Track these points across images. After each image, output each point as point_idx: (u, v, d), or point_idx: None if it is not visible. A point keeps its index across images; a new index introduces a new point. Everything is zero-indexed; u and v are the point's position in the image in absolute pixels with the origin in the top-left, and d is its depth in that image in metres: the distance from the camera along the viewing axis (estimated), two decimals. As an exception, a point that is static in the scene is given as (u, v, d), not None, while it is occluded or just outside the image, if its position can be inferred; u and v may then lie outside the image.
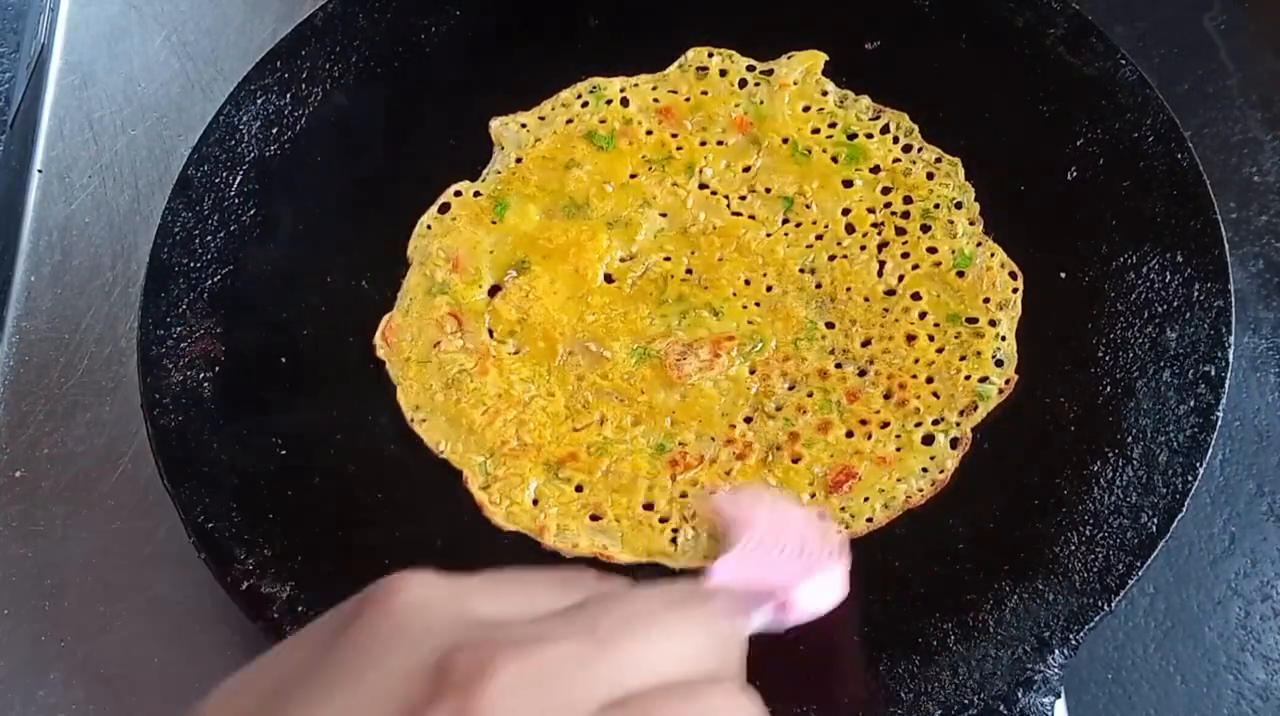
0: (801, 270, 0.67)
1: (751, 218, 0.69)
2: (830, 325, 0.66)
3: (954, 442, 0.62)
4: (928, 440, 0.62)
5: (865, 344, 0.65)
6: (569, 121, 0.73)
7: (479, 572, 0.30)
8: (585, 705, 0.27)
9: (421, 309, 0.68)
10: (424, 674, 0.27)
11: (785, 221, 0.69)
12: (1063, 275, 0.65)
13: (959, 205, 0.68)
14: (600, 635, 0.29)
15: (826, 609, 0.45)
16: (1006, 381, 0.63)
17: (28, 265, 0.77)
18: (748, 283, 0.67)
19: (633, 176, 0.71)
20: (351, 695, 0.27)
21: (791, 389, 0.64)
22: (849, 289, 0.66)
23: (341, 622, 0.30)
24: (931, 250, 0.67)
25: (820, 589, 0.45)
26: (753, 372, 0.65)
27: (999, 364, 0.64)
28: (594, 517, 0.62)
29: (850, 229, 0.68)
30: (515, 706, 0.26)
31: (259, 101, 0.73)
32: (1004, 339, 0.64)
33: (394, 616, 0.29)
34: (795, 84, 0.72)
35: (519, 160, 0.72)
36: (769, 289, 0.67)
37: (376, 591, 0.30)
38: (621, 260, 0.69)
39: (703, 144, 0.71)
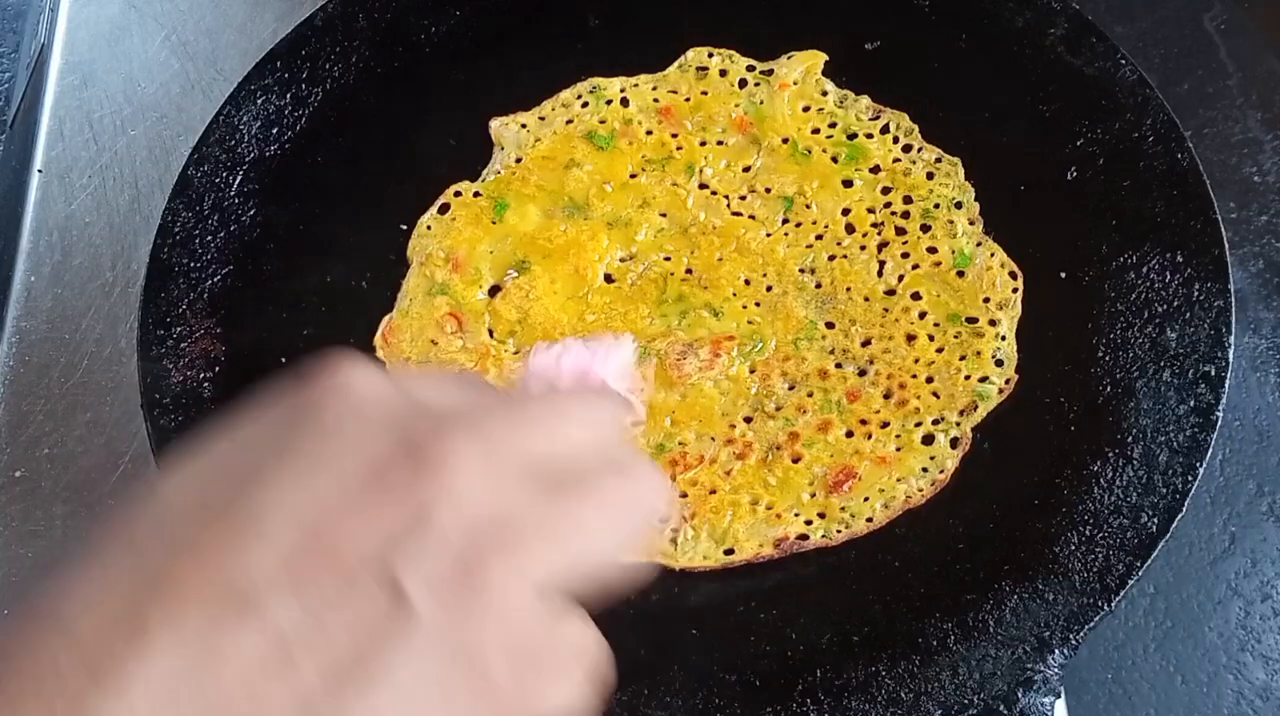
0: (801, 270, 0.67)
1: (751, 218, 0.69)
2: (830, 325, 0.66)
3: (954, 442, 0.62)
4: (928, 440, 0.62)
5: (865, 344, 0.65)
6: (569, 121, 0.73)
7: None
8: (513, 474, 0.31)
9: (421, 309, 0.68)
10: (390, 446, 0.30)
11: (785, 221, 0.69)
12: (1063, 275, 0.65)
13: (959, 205, 0.68)
14: (527, 416, 0.33)
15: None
16: (1006, 381, 0.63)
17: (28, 265, 0.77)
18: (748, 283, 0.67)
19: (633, 176, 0.71)
20: (323, 468, 0.29)
21: (791, 389, 0.64)
22: (849, 289, 0.66)
23: (295, 408, 0.32)
24: (931, 250, 0.67)
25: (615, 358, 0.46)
26: (753, 372, 0.65)
27: (999, 364, 0.64)
28: (594, 517, 0.62)
29: (850, 229, 0.68)
30: (468, 466, 0.29)
31: (259, 101, 0.73)
32: (1004, 339, 0.64)
33: (351, 401, 0.31)
34: (795, 84, 0.72)
35: (519, 160, 0.72)
36: (769, 289, 0.67)
37: (325, 380, 0.32)
38: (621, 260, 0.69)
39: (703, 144, 0.71)
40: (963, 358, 0.64)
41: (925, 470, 0.62)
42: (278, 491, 0.29)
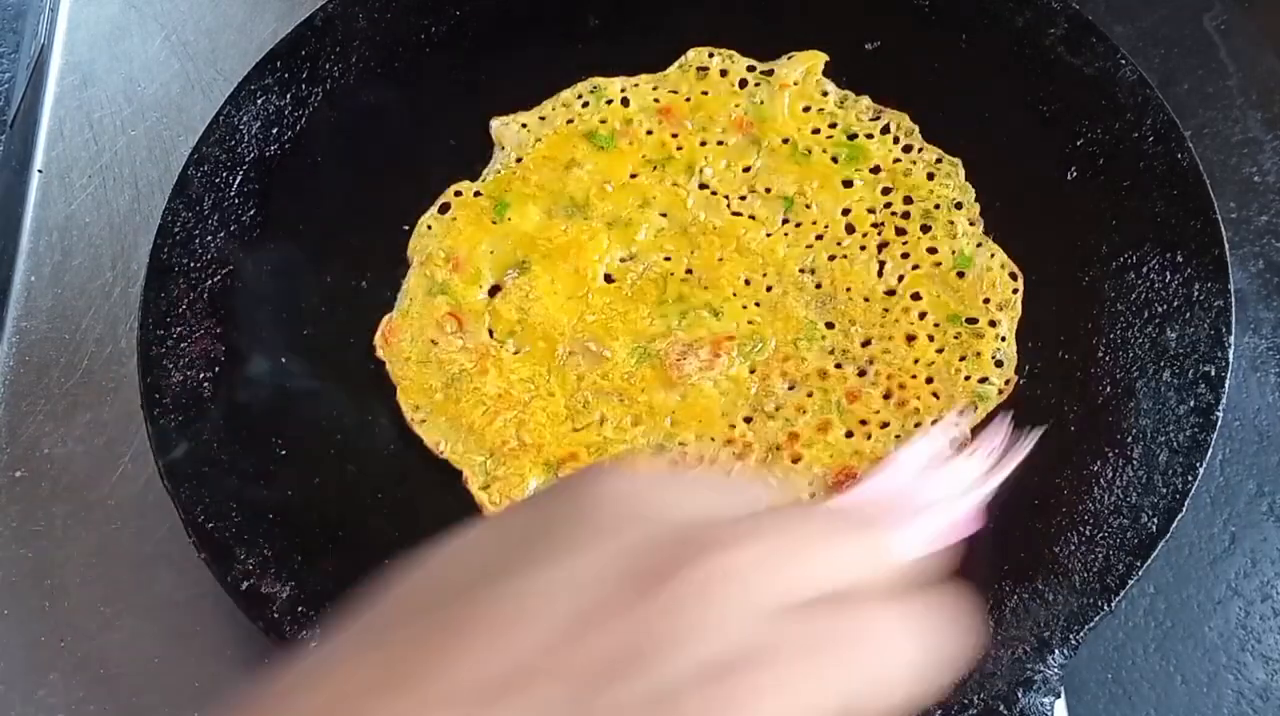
0: (801, 270, 0.67)
1: (751, 218, 0.69)
2: (830, 325, 0.66)
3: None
4: (928, 440, 0.62)
5: (865, 344, 0.65)
6: (569, 121, 0.73)
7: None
8: (768, 605, 0.30)
9: (421, 309, 0.68)
10: (649, 561, 0.30)
11: (785, 221, 0.69)
12: (1063, 275, 0.65)
13: (959, 206, 0.68)
14: (782, 546, 0.32)
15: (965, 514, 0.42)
16: (1006, 382, 0.63)
17: (28, 265, 0.77)
18: (748, 283, 0.67)
19: (633, 176, 0.71)
20: (584, 571, 0.30)
21: (791, 389, 0.64)
22: (849, 289, 0.66)
23: (558, 506, 0.32)
24: (931, 250, 0.67)
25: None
26: (753, 372, 0.65)
27: (999, 364, 0.64)
28: (594, 517, 0.62)
29: (850, 229, 0.68)
30: (711, 598, 0.29)
31: (259, 101, 0.73)
32: (1004, 339, 0.64)
33: (605, 502, 0.31)
34: (795, 84, 0.72)
35: (519, 160, 0.72)
36: (769, 289, 0.67)
37: (591, 482, 0.32)
38: (621, 260, 0.69)
39: (703, 144, 0.71)
40: (963, 358, 0.64)
41: (925, 470, 0.62)
42: (538, 584, 0.29)
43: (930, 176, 0.69)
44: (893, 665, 0.32)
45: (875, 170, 0.70)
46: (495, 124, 0.73)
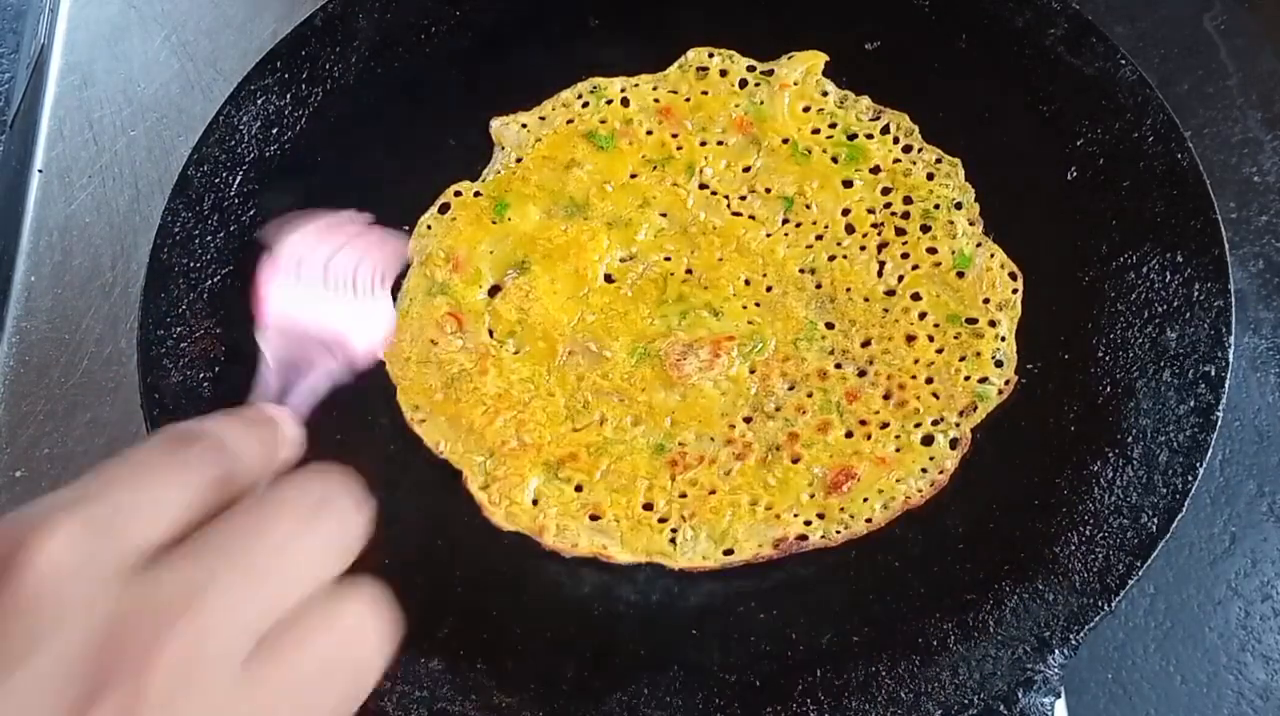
0: (801, 270, 0.67)
1: (751, 218, 0.69)
2: (830, 325, 0.66)
3: (954, 443, 0.62)
4: (927, 440, 0.62)
5: (865, 344, 0.65)
6: (569, 121, 0.73)
7: (93, 480, 0.30)
8: (238, 655, 0.29)
9: (421, 309, 0.68)
10: (83, 665, 0.27)
11: (785, 221, 0.69)
12: (1063, 275, 0.65)
13: (959, 206, 0.68)
14: (230, 575, 0.30)
15: (380, 342, 0.42)
16: (1006, 382, 0.63)
17: (28, 265, 0.77)
18: (748, 283, 0.67)
19: (633, 176, 0.71)
20: (4, 701, 0.26)
21: (791, 389, 0.64)
22: (849, 289, 0.66)
23: None
24: (931, 250, 0.67)
25: (371, 323, 0.43)
26: (752, 373, 0.65)
27: (999, 364, 0.64)
28: (593, 517, 0.62)
29: (850, 229, 0.68)
30: (179, 689, 0.27)
31: (259, 101, 0.73)
32: (1004, 339, 0.64)
33: (37, 591, 0.27)
34: (795, 84, 0.72)
35: (519, 160, 0.72)
36: (769, 289, 0.67)
37: (7, 558, 0.28)
38: (621, 260, 0.69)
39: (703, 144, 0.71)
40: (962, 358, 0.64)
41: (925, 471, 0.62)
42: None
43: (930, 176, 0.69)
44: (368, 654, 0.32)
45: (875, 170, 0.70)
46: (495, 124, 0.73)
